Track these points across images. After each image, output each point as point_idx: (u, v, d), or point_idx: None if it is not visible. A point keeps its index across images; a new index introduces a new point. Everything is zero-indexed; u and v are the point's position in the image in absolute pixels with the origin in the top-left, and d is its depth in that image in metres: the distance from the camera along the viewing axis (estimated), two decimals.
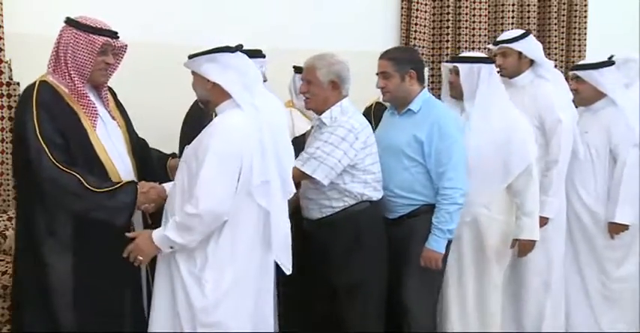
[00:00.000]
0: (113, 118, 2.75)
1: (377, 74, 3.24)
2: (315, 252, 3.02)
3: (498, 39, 3.84)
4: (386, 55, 3.21)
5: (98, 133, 2.63)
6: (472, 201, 3.19)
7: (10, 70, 3.61)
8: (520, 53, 3.67)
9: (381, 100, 3.80)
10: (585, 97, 3.77)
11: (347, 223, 2.96)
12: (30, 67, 3.59)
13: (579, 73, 3.77)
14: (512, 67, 3.69)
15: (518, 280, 3.65)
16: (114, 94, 2.87)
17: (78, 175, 2.48)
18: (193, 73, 2.59)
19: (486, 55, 3.79)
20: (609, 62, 3.76)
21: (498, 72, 3.72)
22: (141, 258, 2.49)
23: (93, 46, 2.58)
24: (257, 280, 2.56)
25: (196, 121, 3.19)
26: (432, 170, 3.07)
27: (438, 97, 3.78)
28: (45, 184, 2.48)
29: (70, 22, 2.63)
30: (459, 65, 3.48)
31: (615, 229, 3.69)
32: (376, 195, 3.02)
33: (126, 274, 2.63)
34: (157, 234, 2.46)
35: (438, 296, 3.25)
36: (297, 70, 3.59)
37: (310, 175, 2.87)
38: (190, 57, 2.55)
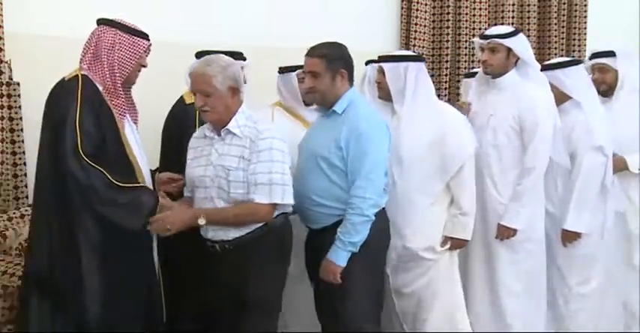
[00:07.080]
0: (133, 120, 2.75)
1: (304, 73, 2.92)
2: (227, 270, 2.68)
3: (488, 33, 3.49)
4: (315, 52, 2.84)
5: (126, 134, 2.64)
6: (418, 201, 3.12)
7: (10, 70, 3.61)
8: (509, 51, 3.38)
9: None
10: (556, 98, 3.48)
11: (267, 239, 2.66)
12: (30, 67, 3.61)
13: (545, 73, 3.50)
14: (500, 64, 3.40)
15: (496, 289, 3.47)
16: None
17: (103, 171, 2.46)
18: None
19: (414, 53, 3.57)
20: (576, 61, 3.57)
21: (484, 69, 3.45)
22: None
23: (137, 49, 2.65)
24: None
25: (181, 120, 3.15)
26: (349, 177, 2.78)
27: (439, 97, 3.70)
28: (69, 177, 2.45)
29: (108, 22, 2.64)
30: (384, 65, 3.23)
31: (567, 236, 3.48)
32: (290, 208, 2.75)
33: (148, 270, 2.70)
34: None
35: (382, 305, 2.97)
36: (281, 70, 3.48)
37: (283, 203, 2.62)
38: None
